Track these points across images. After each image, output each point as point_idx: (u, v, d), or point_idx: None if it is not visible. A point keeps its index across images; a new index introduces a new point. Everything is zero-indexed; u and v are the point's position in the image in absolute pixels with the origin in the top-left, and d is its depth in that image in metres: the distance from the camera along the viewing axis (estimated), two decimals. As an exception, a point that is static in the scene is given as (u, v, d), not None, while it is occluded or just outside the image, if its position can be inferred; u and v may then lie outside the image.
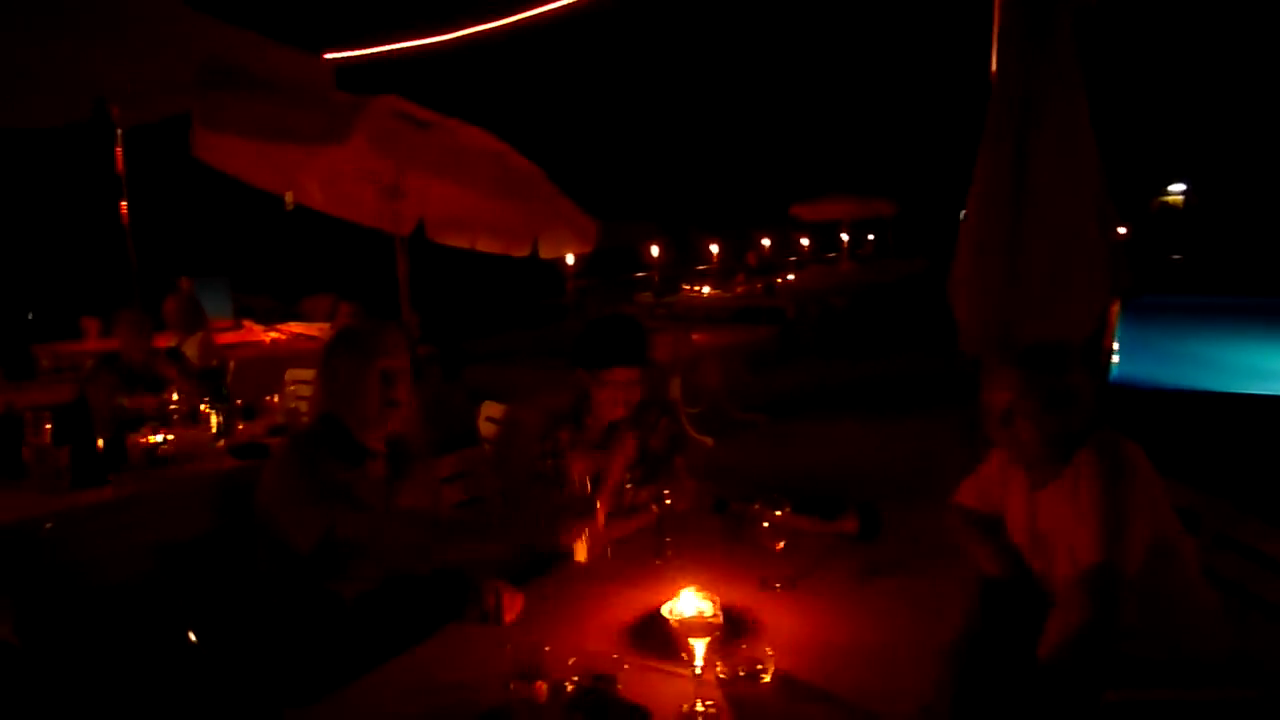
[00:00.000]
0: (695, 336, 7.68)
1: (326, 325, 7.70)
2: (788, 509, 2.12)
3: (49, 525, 2.61)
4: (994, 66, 2.98)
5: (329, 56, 3.61)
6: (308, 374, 4.95)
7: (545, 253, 5.19)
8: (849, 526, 2.41)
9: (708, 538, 2.41)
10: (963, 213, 3.09)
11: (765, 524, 2.08)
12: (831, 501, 2.51)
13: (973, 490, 2.30)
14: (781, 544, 2.08)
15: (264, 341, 7.88)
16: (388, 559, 2.17)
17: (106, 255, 8.17)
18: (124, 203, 6.39)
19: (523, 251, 5.14)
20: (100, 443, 3.28)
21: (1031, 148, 2.84)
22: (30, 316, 8.31)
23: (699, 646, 1.56)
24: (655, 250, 14.15)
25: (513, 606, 1.94)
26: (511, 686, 1.54)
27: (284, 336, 7.97)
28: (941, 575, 2.13)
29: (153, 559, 2.56)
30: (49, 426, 3.49)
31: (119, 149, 6.84)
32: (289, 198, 4.60)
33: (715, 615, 1.62)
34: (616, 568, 2.25)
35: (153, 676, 2.91)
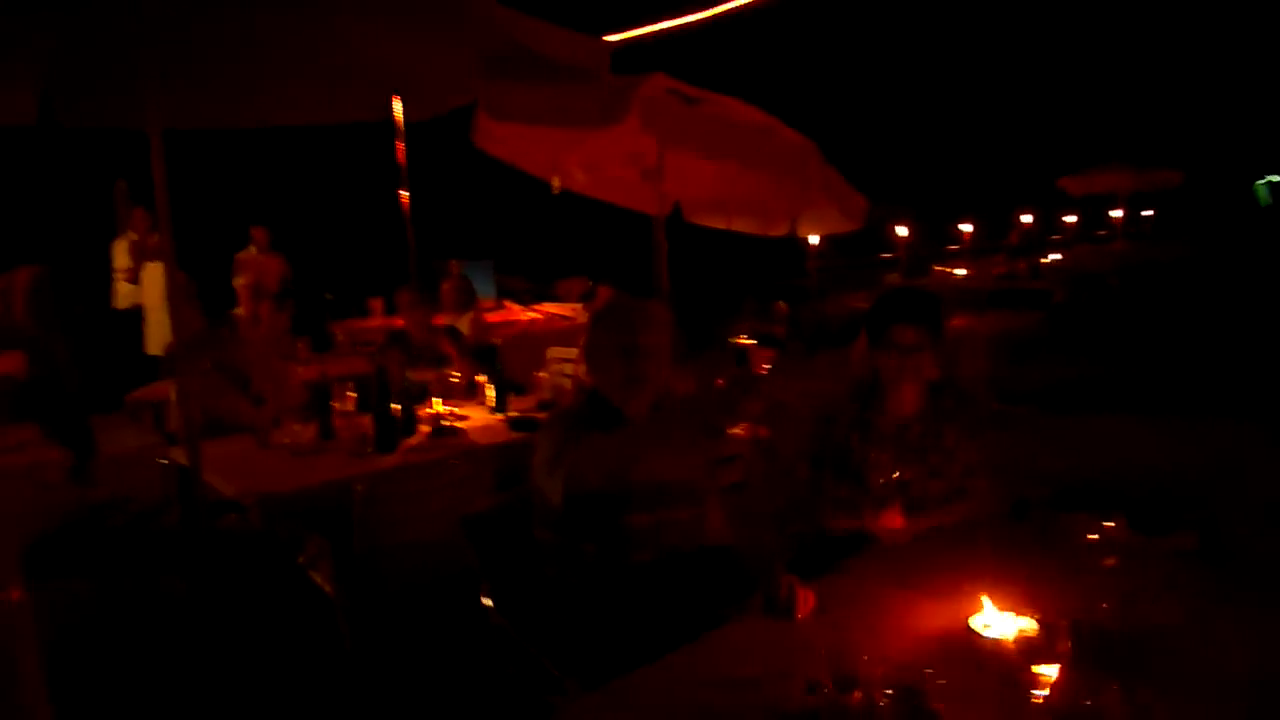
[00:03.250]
0: (953, 321, 7.20)
1: (580, 306, 8.02)
2: (1122, 520, 1.84)
3: (359, 486, 2.84)
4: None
5: (608, 39, 3.66)
6: (569, 352, 5.14)
7: (804, 231, 5.04)
8: (1187, 543, 2.08)
9: (1006, 544, 2.17)
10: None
11: (1092, 536, 1.82)
12: (1160, 512, 2.18)
13: None
14: (1113, 561, 1.81)
15: (523, 321, 8.35)
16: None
17: (389, 241, 9.02)
18: (404, 192, 6.95)
19: (780, 231, 5.01)
20: (396, 411, 3.57)
21: None
22: (328, 296, 9.30)
23: (1049, 672, 1.36)
24: (903, 230, 13.47)
25: (805, 602, 1.83)
26: (823, 691, 1.43)
27: (541, 317, 8.40)
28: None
29: (444, 523, 2.72)
30: (352, 395, 3.84)
31: (400, 143, 7.45)
32: (556, 182, 4.76)
33: (1053, 636, 1.42)
34: (907, 571, 2.08)
35: (445, 642, 3.13)
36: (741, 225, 5.22)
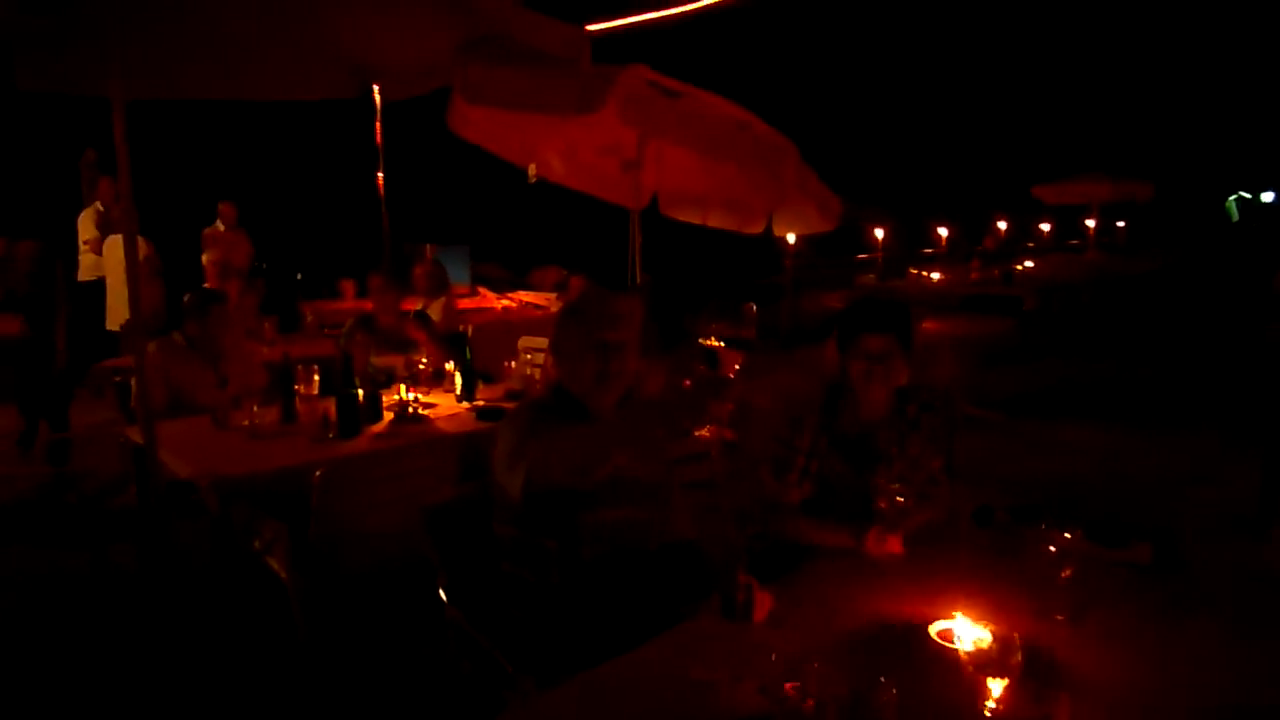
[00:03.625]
0: (925, 325, 7.24)
1: (554, 295, 7.97)
2: (1079, 533, 1.85)
3: (318, 472, 2.79)
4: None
5: (590, 28, 3.63)
6: (539, 342, 5.09)
7: (779, 230, 5.02)
8: (1141, 555, 2.10)
9: (963, 550, 2.18)
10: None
11: (1051, 548, 1.82)
12: (1116, 524, 2.20)
13: None
14: (1068, 572, 1.81)
15: (496, 309, 8.29)
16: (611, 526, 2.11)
17: (363, 222, 8.91)
18: (380, 174, 6.86)
19: (755, 229, 5.00)
20: (360, 396, 3.51)
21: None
22: (299, 276, 9.17)
23: (994, 688, 1.36)
24: (879, 232, 13.54)
25: (762, 605, 1.82)
26: (776, 696, 1.42)
27: (515, 305, 8.34)
28: (1264, 617, 1.79)
29: (404, 512, 2.68)
30: (317, 379, 3.78)
31: (378, 123, 7.35)
32: (532, 170, 4.71)
33: (1006, 649, 1.42)
34: (868, 576, 2.08)
35: (400, 633, 3.09)
36: (718, 221, 5.20)
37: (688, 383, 1.71)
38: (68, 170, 8.27)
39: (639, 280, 4.83)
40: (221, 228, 8.53)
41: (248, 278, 8.33)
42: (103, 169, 7.53)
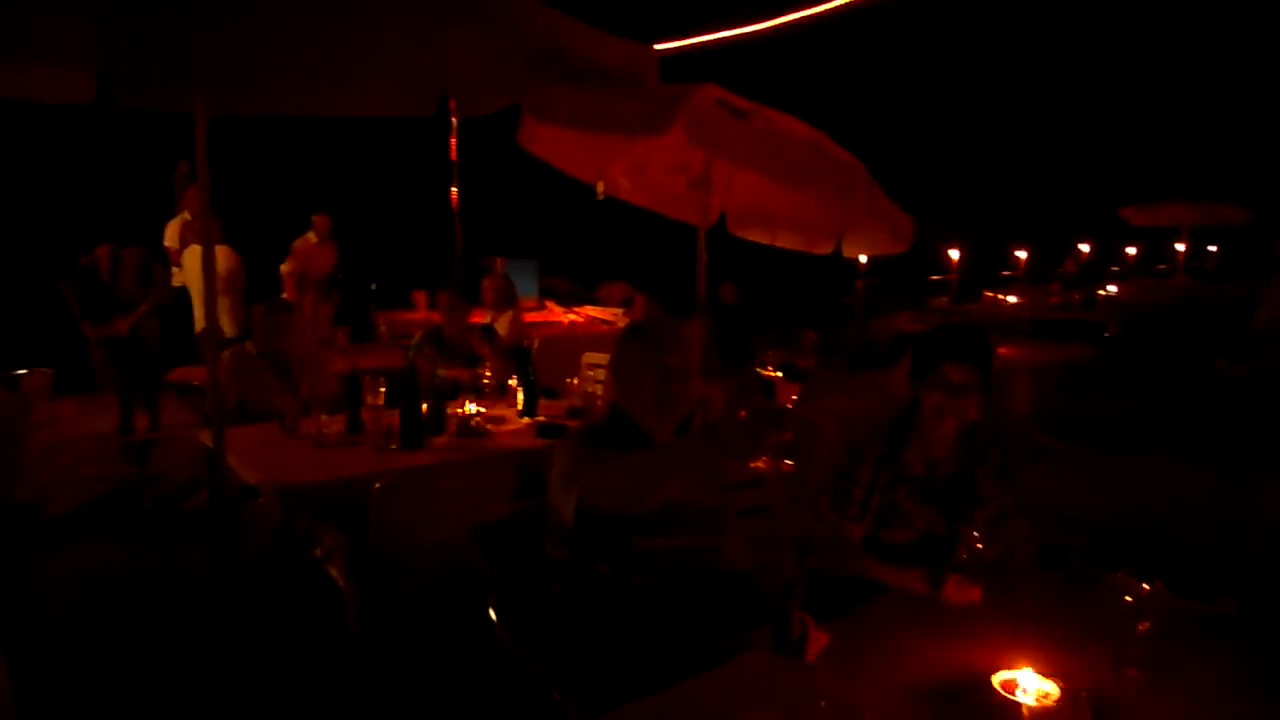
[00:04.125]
0: (1000, 350, 7.01)
1: (620, 311, 7.99)
2: (1159, 582, 1.74)
3: (378, 484, 2.82)
4: None
5: (657, 47, 3.63)
6: (603, 358, 5.10)
7: (849, 251, 4.94)
8: (1226, 607, 1.97)
9: (1031, 593, 2.08)
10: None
11: (1128, 597, 1.72)
12: (1199, 571, 2.08)
13: None
14: (1146, 625, 1.71)
15: (563, 323, 8.35)
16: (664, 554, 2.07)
17: (436, 235, 9.09)
18: (454, 189, 6.99)
19: (825, 249, 4.92)
20: (424, 409, 3.56)
21: None
22: (373, 287, 9.38)
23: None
24: (954, 253, 13.21)
25: (817, 643, 1.76)
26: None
27: (581, 319, 8.39)
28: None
29: (461, 526, 2.70)
30: (383, 390, 3.85)
31: (453, 139, 7.49)
32: (600, 187, 4.73)
33: (1075, 705, 1.34)
34: (931, 619, 1.99)
35: (451, 650, 3.10)
36: (786, 241, 5.14)
37: (743, 413, 1.66)
38: (164, 180, 8.65)
39: (703, 298, 4.80)
40: (314, 239, 8.76)
41: (324, 289, 8.58)
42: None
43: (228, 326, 6.42)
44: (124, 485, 4.25)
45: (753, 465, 1.78)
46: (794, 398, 1.76)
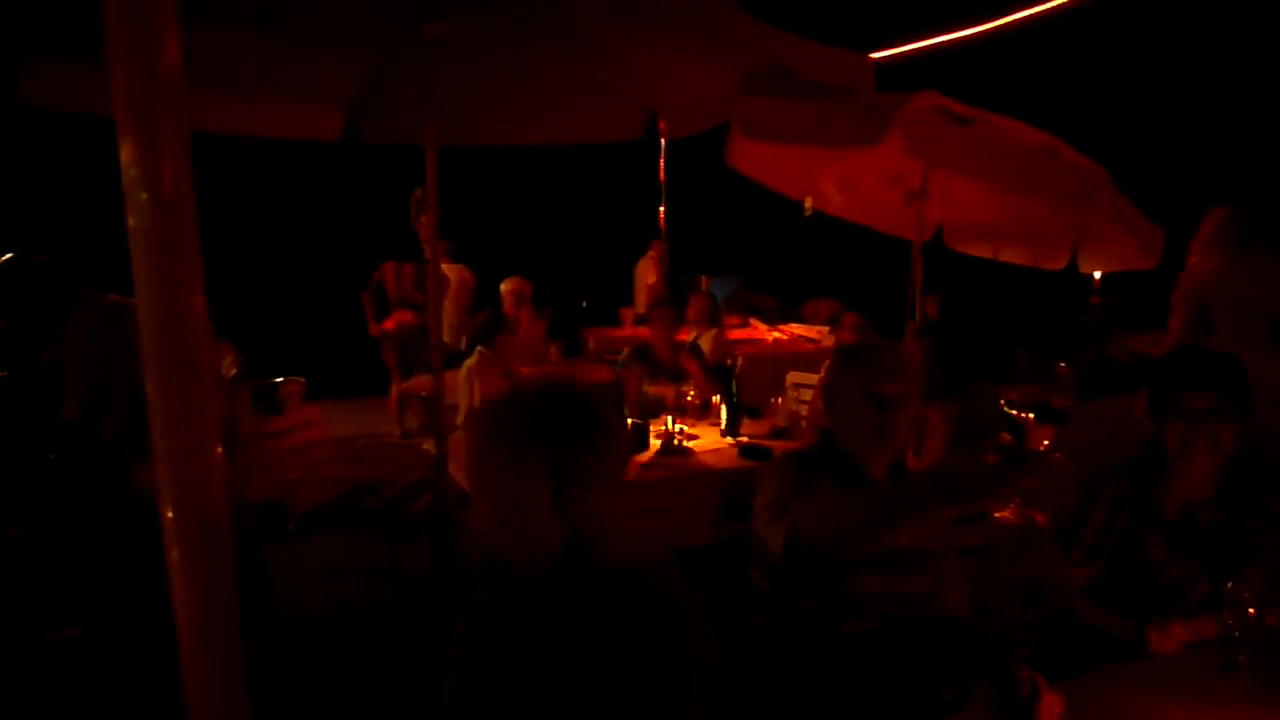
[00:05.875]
0: (1264, 371, 6.12)
1: (826, 329, 7.77)
2: None
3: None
4: None
5: (874, 56, 3.48)
6: (808, 378, 4.95)
7: (1087, 265, 4.50)
8: None
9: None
10: None
11: None
12: None
13: None
14: None
15: (767, 340, 8.23)
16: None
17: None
18: (662, 209, 7.11)
19: (1057, 264, 4.51)
20: (629, 424, 3.60)
21: None
22: (584, 304, 9.73)
23: None
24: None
25: (1050, 708, 1.57)
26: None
27: (786, 337, 8.24)
28: None
29: (659, 547, 2.68)
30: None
31: (662, 160, 7.63)
32: (808, 203, 4.61)
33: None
34: (1186, 686, 1.73)
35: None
36: (1011, 255, 4.77)
37: (991, 457, 1.50)
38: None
39: (918, 317, 4.55)
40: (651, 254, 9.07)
41: (537, 304, 9.01)
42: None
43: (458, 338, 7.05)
44: (356, 486, 4.62)
45: (998, 516, 1.61)
46: (1046, 442, 1.58)
